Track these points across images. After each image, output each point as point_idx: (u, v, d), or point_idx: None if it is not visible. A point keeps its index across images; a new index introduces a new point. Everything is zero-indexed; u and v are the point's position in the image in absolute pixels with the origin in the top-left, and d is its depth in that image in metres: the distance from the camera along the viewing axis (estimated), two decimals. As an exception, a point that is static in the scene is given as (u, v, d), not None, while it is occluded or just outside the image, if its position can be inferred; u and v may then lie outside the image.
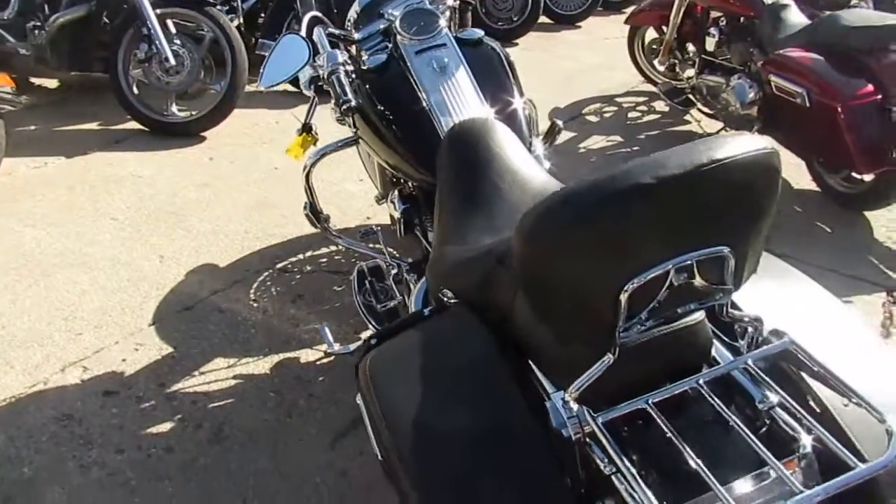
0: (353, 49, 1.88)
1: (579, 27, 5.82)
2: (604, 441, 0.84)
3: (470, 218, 1.34)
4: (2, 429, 1.84)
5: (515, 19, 5.34)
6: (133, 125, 3.68)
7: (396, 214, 1.74)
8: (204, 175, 3.24)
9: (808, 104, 2.65)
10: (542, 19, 5.53)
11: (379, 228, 1.98)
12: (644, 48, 4.13)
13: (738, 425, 0.84)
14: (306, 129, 1.96)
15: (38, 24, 3.61)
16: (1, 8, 3.61)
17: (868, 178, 2.74)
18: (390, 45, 1.76)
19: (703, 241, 0.82)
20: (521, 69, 1.80)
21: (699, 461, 0.80)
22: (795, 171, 3.08)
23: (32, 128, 3.70)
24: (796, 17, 3.02)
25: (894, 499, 0.84)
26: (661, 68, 3.94)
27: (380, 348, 1.10)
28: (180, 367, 2.06)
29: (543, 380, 0.99)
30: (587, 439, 0.88)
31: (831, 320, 1.07)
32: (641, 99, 4.17)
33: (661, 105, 3.99)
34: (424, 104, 1.62)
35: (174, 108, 3.64)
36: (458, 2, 1.97)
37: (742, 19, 3.20)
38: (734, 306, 0.97)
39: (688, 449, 0.82)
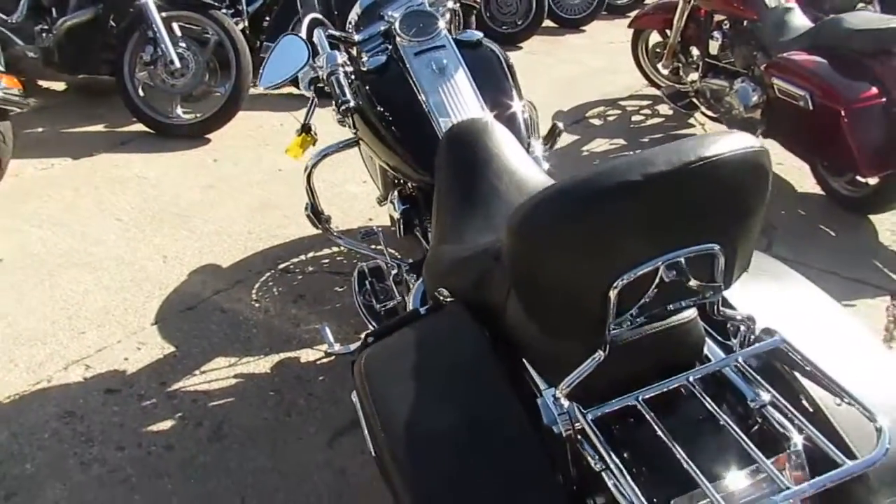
0: (354, 51, 1.89)
1: (583, 31, 5.82)
2: (593, 437, 0.85)
3: (467, 218, 1.34)
4: (5, 425, 1.85)
5: (520, 23, 5.35)
6: (138, 127, 3.70)
7: (396, 215, 1.75)
8: (208, 176, 3.26)
9: (811, 107, 2.64)
10: (547, 23, 5.53)
11: (380, 229, 1.99)
12: (648, 52, 4.13)
13: (728, 422, 0.85)
14: (305, 129, 1.98)
15: (46, 27, 3.65)
16: (9, 11, 3.65)
17: (872, 181, 2.72)
18: (390, 47, 1.77)
19: (692, 238, 0.83)
20: (525, 73, 1.80)
21: (688, 458, 0.80)
22: (799, 175, 3.06)
23: (39, 129, 3.74)
24: (799, 21, 3.01)
25: (883, 496, 0.84)
26: (665, 72, 3.93)
27: (375, 346, 1.11)
28: (181, 365, 2.07)
29: (536, 377, 1.00)
30: (578, 436, 0.88)
31: (825, 320, 1.07)
32: (645, 102, 4.17)
33: (664, 108, 3.99)
34: (423, 105, 1.62)
35: (179, 111, 3.67)
36: (458, 4, 1.98)
37: (745, 22, 3.19)
38: (726, 304, 0.97)
39: (677, 446, 0.82)
